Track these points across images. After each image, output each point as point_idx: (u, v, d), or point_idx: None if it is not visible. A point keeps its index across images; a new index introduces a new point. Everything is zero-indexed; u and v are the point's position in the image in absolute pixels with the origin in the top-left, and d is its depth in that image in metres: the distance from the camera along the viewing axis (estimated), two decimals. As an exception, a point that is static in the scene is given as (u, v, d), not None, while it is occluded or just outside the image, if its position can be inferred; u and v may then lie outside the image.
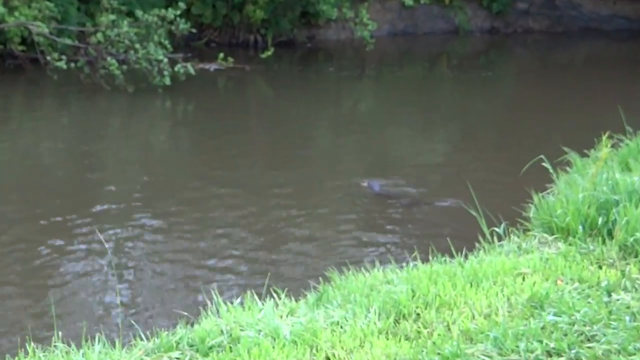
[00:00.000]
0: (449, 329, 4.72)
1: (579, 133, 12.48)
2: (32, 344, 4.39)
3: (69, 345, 4.44)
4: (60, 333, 4.55)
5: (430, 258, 5.82)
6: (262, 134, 16.99)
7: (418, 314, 4.89)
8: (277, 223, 11.35)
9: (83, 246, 10.37)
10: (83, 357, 4.36)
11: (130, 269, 9.83)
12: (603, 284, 5.21)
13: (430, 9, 27.68)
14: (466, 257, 5.86)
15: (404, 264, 5.72)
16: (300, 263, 9.99)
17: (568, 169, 7.75)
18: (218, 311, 4.92)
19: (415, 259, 5.78)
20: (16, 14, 19.33)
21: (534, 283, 5.20)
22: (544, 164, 7.06)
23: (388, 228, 11.36)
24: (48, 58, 18.89)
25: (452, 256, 5.85)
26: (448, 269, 5.52)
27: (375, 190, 12.55)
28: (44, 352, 4.39)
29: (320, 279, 5.59)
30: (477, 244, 6.21)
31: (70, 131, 16.82)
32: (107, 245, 9.98)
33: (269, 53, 22.34)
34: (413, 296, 5.06)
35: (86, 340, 4.44)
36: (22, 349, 4.39)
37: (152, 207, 11.92)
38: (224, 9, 24.71)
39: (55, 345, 4.46)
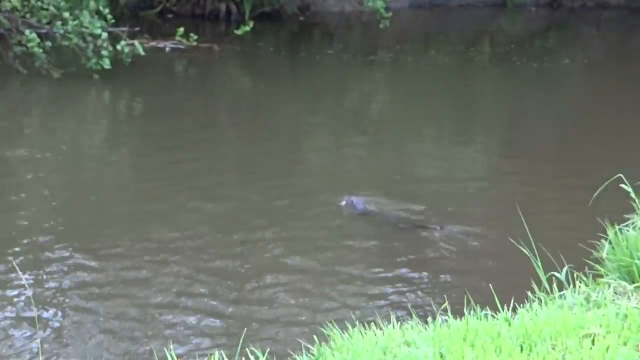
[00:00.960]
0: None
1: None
2: None
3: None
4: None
5: (466, 311, 5.85)
6: (235, 141, 17.03)
7: (448, 389, 4.93)
8: (255, 259, 11.40)
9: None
10: None
11: (55, 318, 9.92)
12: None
13: (469, -27, 27.92)
14: (515, 310, 5.88)
15: (429, 319, 5.75)
16: (287, 315, 10.03)
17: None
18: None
19: (445, 311, 5.81)
20: None
21: (607, 348, 5.22)
22: (622, 185, 7.09)
23: (405, 268, 11.40)
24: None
25: (495, 309, 5.88)
26: (490, 327, 5.55)
27: (358, 210, 12.85)
28: None
29: (315, 337, 5.63)
30: (529, 294, 6.24)
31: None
32: (25, 283, 10.11)
33: (247, 28, 22.38)
34: (442, 362, 5.10)
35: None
36: None
37: (82, 236, 11.98)
38: (184, -33, 24.94)
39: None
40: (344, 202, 12.97)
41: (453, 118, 18.69)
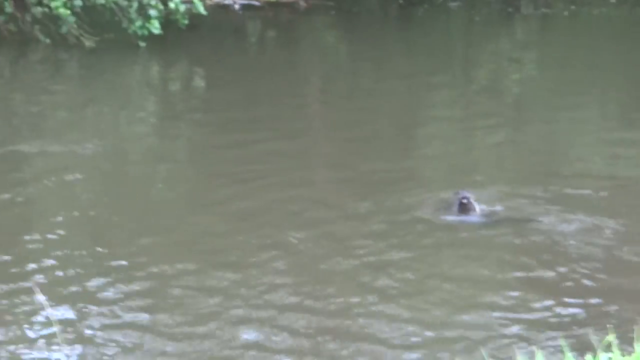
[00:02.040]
0: None
1: None
2: None
3: None
4: None
5: (636, 346, 5.98)
6: (326, 123, 17.21)
7: None
8: (345, 281, 11.65)
9: (16, 312, 10.84)
10: None
11: (81, 339, 10.26)
12: None
13: None
14: None
15: (589, 356, 5.90)
16: (399, 339, 10.23)
17: None
18: None
19: (609, 347, 5.98)
20: None
21: None
22: None
23: (550, 289, 11.54)
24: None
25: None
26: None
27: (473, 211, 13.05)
28: None
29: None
30: None
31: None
32: (44, 304, 10.42)
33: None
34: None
35: None
36: None
37: (121, 245, 12.29)
38: None
39: None
40: (458, 199, 13.16)
41: (617, 89, 18.74)
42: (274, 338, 10.36)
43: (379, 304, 10.80)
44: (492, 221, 12.96)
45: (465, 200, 12.92)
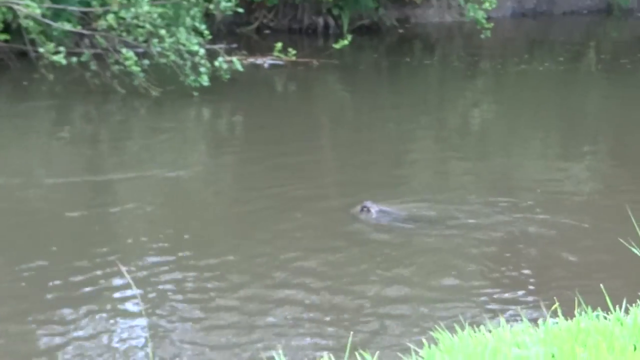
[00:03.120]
0: (604, 409, 4.77)
1: None
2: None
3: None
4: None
5: (577, 313, 5.87)
6: (337, 156, 17.14)
7: (561, 388, 4.95)
8: (362, 263, 11.59)
9: (104, 290, 10.78)
10: None
11: (164, 319, 10.17)
12: None
13: (572, -21, 27.81)
14: (627, 311, 5.89)
15: (540, 321, 5.77)
16: (394, 318, 10.13)
17: None
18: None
19: (555, 313, 5.83)
20: (-3, -10, 19.88)
21: None
22: None
23: (512, 269, 11.47)
24: (41, 50, 19.36)
25: (606, 310, 5.88)
26: (602, 327, 5.55)
27: (374, 217, 13.19)
28: None
29: (424, 340, 5.68)
30: (642, 295, 6.25)
31: (71, 153, 17.09)
32: (132, 284, 10.37)
33: (345, 42, 22.48)
34: (554, 364, 5.13)
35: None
36: None
37: (190, 246, 12.22)
38: (281, -19, 25.13)
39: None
40: (359, 209, 13.32)
41: (559, 127, 18.65)
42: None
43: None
44: (387, 222, 13.08)
45: (365, 207, 13.22)
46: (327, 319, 10.19)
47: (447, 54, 24.83)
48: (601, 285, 6.31)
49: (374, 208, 13.28)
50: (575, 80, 22.92)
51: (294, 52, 20.72)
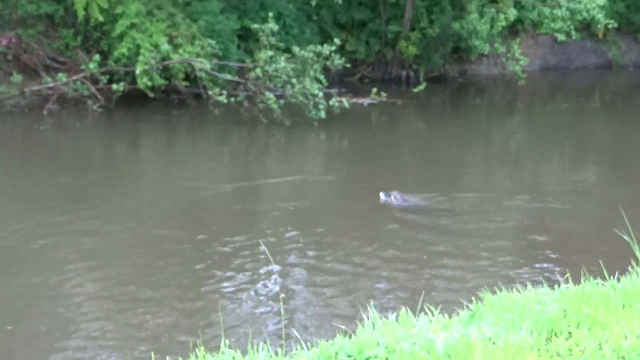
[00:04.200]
0: (601, 348, 4.69)
1: None
2: (202, 348, 4.60)
3: (235, 352, 4.62)
4: (227, 340, 4.75)
5: (583, 281, 5.80)
6: (414, 166, 17.12)
7: (570, 333, 4.88)
8: (431, 246, 11.61)
9: (249, 263, 10.84)
10: (248, 363, 4.55)
11: (292, 284, 10.25)
12: None
13: (583, 43, 27.34)
14: (619, 280, 5.80)
15: (555, 286, 5.71)
16: (452, 283, 10.13)
17: None
18: (374, 325, 5.02)
19: (567, 281, 5.76)
20: (180, 51, 20.08)
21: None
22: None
23: (540, 251, 11.38)
24: (210, 93, 19.56)
25: (604, 279, 5.81)
26: (600, 290, 5.48)
27: (394, 204, 13.22)
28: (212, 356, 4.59)
29: (473, 298, 5.64)
30: (630, 268, 6.14)
31: (230, 162, 17.29)
32: (271, 260, 10.43)
33: (421, 88, 22.45)
34: (565, 316, 5.05)
35: (251, 348, 4.62)
36: (193, 353, 4.60)
37: (313, 230, 12.27)
38: (377, 45, 25.04)
39: (222, 352, 4.63)
40: (383, 198, 13.31)
41: (573, 149, 18.45)
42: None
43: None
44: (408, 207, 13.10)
45: (392, 195, 13.12)
46: (403, 286, 10.25)
47: (493, 96, 24.62)
48: (600, 261, 6.23)
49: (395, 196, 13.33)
50: (585, 114, 22.64)
51: (384, 94, 20.73)
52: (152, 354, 6.87)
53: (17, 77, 20.05)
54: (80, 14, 20.03)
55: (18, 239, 11.74)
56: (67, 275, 10.49)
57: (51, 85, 19.99)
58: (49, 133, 19.03)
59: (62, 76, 19.85)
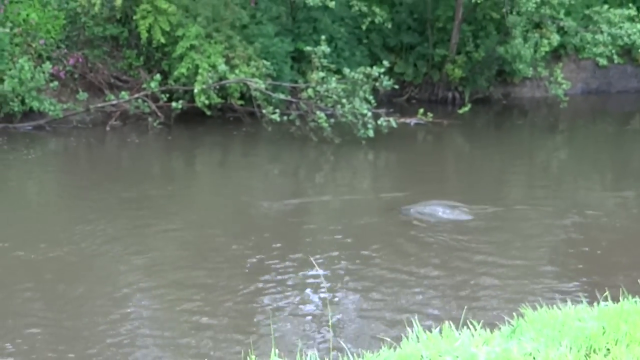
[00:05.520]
0: (639, 364, 4.64)
1: None
2: (254, 357, 4.61)
3: (285, 360, 4.64)
4: (277, 350, 4.76)
5: (621, 299, 5.73)
6: (458, 183, 17.05)
7: (608, 349, 4.83)
8: (474, 261, 11.58)
9: (299, 275, 10.90)
10: (298, 371, 4.56)
11: (340, 297, 10.26)
12: None
13: (624, 68, 27.02)
14: (658, 298, 5.73)
15: (595, 303, 5.65)
16: (495, 298, 10.06)
17: None
18: (418, 338, 5.01)
19: (606, 298, 5.70)
20: (236, 71, 20.24)
21: None
22: None
23: (580, 267, 11.29)
24: (264, 111, 19.66)
25: (643, 297, 5.74)
26: (639, 309, 5.42)
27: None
28: (263, 364, 4.61)
29: (514, 314, 5.60)
30: (668, 288, 6.08)
31: (282, 178, 17.36)
32: (320, 273, 10.46)
33: (466, 109, 22.38)
34: (604, 333, 5.00)
35: (300, 357, 4.63)
36: (244, 361, 4.62)
37: (359, 245, 12.28)
38: (424, 67, 25.00)
39: (272, 360, 4.65)
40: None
41: (612, 171, 18.28)
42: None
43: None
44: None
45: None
46: (447, 301, 10.21)
47: (535, 118, 24.40)
48: (639, 280, 6.16)
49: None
50: (624, 136, 22.40)
51: (431, 115, 20.67)
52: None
53: (83, 95, 20.38)
54: (144, 35, 20.30)
55: (84, 246, 11.96)
56: (128, 280, 10.69)
57: (114, 102, 20.27)
58: (111, 148, 19.32)
59: (124, 94, 20.13)
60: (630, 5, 24.13)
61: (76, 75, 20.84)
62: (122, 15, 21.10)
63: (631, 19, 22.97)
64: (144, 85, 20.34)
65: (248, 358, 4.60)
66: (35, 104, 19.57)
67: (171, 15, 20.23)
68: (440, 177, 17.32)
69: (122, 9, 20.54)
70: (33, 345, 8.88)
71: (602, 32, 22.96)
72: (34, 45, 20.41)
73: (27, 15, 20.57)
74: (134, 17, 20.47)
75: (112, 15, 21.03)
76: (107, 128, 20.01)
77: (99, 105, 20.39)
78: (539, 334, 5.14)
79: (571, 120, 24.05)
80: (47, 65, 19.85)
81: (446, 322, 5.24)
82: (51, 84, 19.96)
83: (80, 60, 20.88)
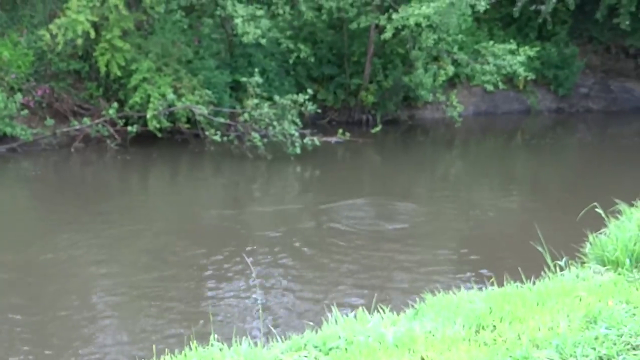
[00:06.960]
0: (520, 338, 4.69)
1: (629, 188, 12.23)
2: (195, 341, 4.56)
3: (222, 344, 4.59)
4: (216, 335, 4.71)
5: (505, 284, 5.80)
6: (370, 191, 17.10)
7: (494, 326, 4.88)
8: (383, 260, 11.55)
9: (235, 272, 10.80)
10: (233, 353, 4.51)
11: (269, 288, 10.21)
12: (646, 304, 5.12)
13: (508, 93, 27.45)
14: (534, 283, 5.82)
15: (483, 288, 5.71)
16: (400, 286, 10.13)
17: (619, 216, 7.60)
18: (336, 321, 5.01)
19: (492, 284, 5.77)
20: (183, 99, 20.07)
21: (589, 303, 5.13)
22: (597, 209, 6.97)
23: (472, 260, 11.39)
24: (207, 133, 19.55)
25: (522, 282, 5.81)
26: (520, 291, 5.50)
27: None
28: (203, 348, 4.55)
29: (417, 299, 5.64)
30: (543, 274, 6.16)
31: (224, 190, 17.26)
32: (253, 270, 10.39)
33: (378, 129, 22.53)
34: (490, 312, 5.06)
35: (235, 340, 4.59)
36: (187, 346, 4.56)
37: (287, 246, 12.21)
38: (342, 94, 25.10)
39: (212, 344, 4.60)
40: None
41: (500, 178, 18.52)
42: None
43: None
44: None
45: None
46: (360, 290, 10.18)
47: (435, 136, 24.62)
48: (519, 268, 6.25)
49: None
50: (509, 151, 22.82)
51: (348, 134, 20.72)
52: (154, 346, 6.84)
53: (50, 121, 19.98)
54: (102, 69, 20.01)
55: (54, 250, 11.75)
56: (87, 279, 10.52)
57: (78, 127, 19.93)
58: (76, 167, 18.98)
59: (86, 120, 19.82)
60: (512, 40, 24.63)
61: (44, 105, 20.43)
62: (84, 52, 20.75)
63: (512, 52, 23.41)
64: (103, 112, 20.06)
65: (190, 342, 4.53)
66: (8, 130, 19.18)
67: (126, 52, 19.98)
68: (358, 186, 17.35)
69: (83, 47, 20.22)
70: (8, 336, 8.66)
71: (488, 64, 23.35)
72: (6, 79, 19.98)
73: (0, 53, 20.12)
74: (94, 54, 20.18)
75: (74, 52, 20.67)
76: (72, 149, 19.66)
77: (64, 129, 20.01)
78: (438, 315, 5.18)
79: (465, 137, 24.37)
80: (18, 96, 19.48)
81: (360, 307, 5.25)
82: (22, 112, 19.59)
83: (47, 91, 20.49)
